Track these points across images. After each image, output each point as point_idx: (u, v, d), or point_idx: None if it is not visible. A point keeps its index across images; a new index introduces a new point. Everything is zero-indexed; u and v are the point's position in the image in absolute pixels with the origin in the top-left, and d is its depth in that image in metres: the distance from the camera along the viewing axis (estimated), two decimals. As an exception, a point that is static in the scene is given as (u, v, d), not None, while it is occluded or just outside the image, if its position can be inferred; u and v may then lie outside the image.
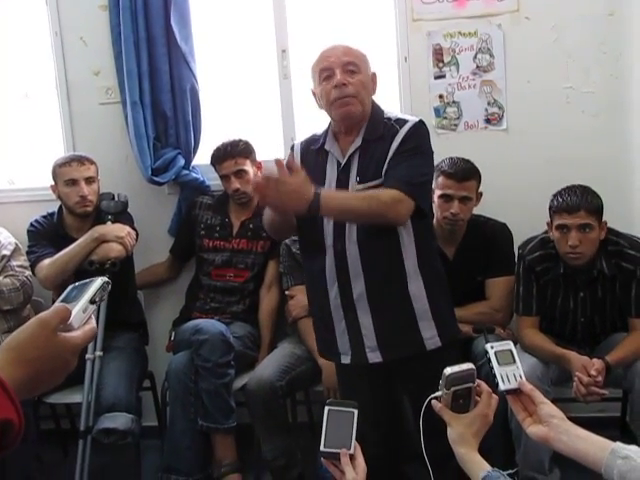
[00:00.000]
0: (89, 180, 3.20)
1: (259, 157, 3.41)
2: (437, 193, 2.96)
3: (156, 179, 3.45)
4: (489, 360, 1.53)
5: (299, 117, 3.58)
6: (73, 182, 3.17)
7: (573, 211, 2.67)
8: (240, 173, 3.29)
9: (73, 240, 3.14)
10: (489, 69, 3.39)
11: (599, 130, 3.34)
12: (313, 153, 2.47)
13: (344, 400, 1.51)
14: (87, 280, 1.14)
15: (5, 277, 3.19)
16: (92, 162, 3.23)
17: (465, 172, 2.97)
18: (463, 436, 1.46)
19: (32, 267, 3.20)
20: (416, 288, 2.39)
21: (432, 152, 2.44)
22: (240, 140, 3.34)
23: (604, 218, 2.74)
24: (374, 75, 2.43)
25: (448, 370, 1.49)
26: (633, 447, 1.30)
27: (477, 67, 3.39)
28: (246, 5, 3.58)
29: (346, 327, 2.42)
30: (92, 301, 1.10)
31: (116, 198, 3.28)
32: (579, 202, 2.67)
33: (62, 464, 3.39)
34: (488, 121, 3.42)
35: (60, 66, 3.59)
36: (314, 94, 2.45)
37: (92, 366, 3.01)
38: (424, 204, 2.38)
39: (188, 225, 3.50)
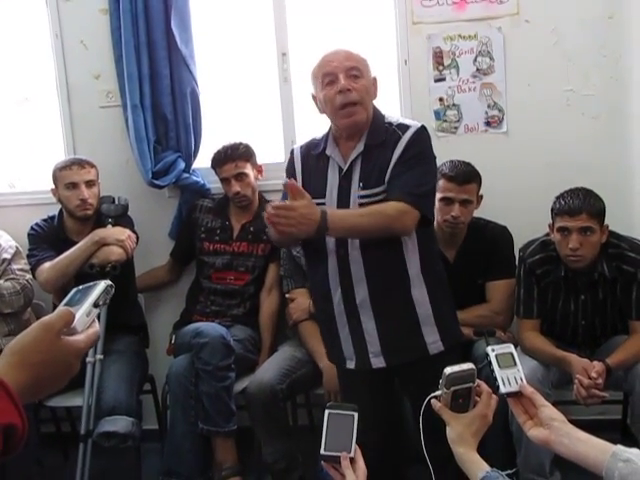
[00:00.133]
0: (89, 183, 3.20)
1: (259, 160, 3.41)
2: (438, 196, 2.96)
3: (156, 182, 3.45)
4: (490, 363, 1.53)
5: (299, 120, 3.58)
6: (73, 185, 3.17)
7: (575, 214, 2.67)
8: (240, 176, 3.30)
9: (73, 243, 3.14)
10: (489, 72, 3.39)
11: (599, 133, 3.35)
12: (314, 158, 2.46)
13: (344, 403, 1.50)
14: (91, 283, 1.14)
15: (6, 280, 3.19)
16: (92, 165, 3.24)
17: (466, 175, 2.97)
18: (462, 436, 1.46)
19: (33, 270, 3.20)
20: (419, 293, 2.39)
21: (435, 158, 2.44)
22: (240, 143, 3.34)
23: (605, 221, 2.74)
24: (375, 79, 2.42)
25: (448, 370, 1.49)
26: (634, 450, 1.30)
27: (477, 70, 3.40)
28: (246, 8, 3.59)
29: (350, 332, 2.42)
30: (95, 304, 1.09)
31: (116, 201, 3.28)
32: (581, 205, 2.67)
33: (63, 468, 3.38)
34: (488, 124, 3.42)
35: (60, 69, 3.60)
36: (315, 99, 2.44)
37: (92, 369, 3.01)
38: (429, 213, 2.39)
39: (188, 228, 3.50)
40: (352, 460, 1.43)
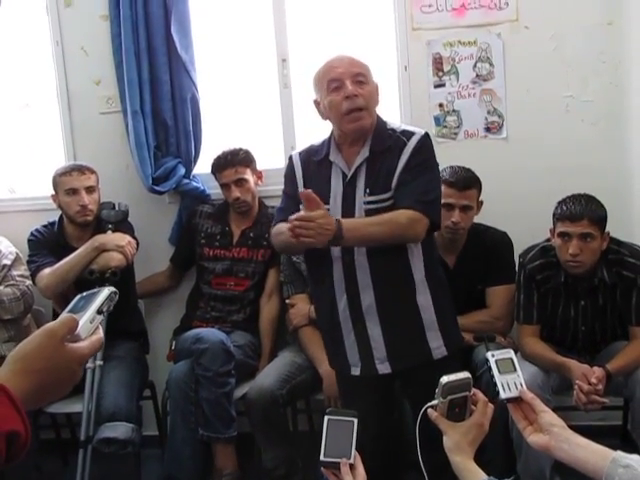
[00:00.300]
0: (90, 189, 3.20)
1: (259, 166, 3.42)
2: (438, 202, 2.96)
3: (157, 188, 3.45)
4: (490, 368, 1.53)
5: (299, 126, 3.58)
6: (74, 191, 3.17)
7: (576, 219, 2.67)
8: (240, 182, 3.30)
9: (73, 249, 3.14)
10: (489, 78, 3.40)
11: (598, 138, 3.35)
12: (315, 164, 2.46)
13: (344, 409, 1.50)
14: (94, 290, 1.14)
15: (6, 286, 3.19)
16: (93, 171, 3.24)
17: (466, 181, 2.97)
18: (459, 444, 1.46)
19: (32, 276, 3.20)
20: (424, 299, 2.41)
21: (438, 165, 2.46)
22: (240, 149, 3.34)
23: (606, 227, 2.74)
24: (377, 86, 2.42)
25: (444, 379, 1.49)
26: (634, 456, 1.30)
27: (477, 76, 3.40)
28: (246, 14, 3.59)
29: (355, 339, 2.42)
30: (99, 311, 1.09)
31: (116, 207, 3.28)
32: (582, 211, 2.67)
33: (62, 474, 3.38)
34: (488, 130, 3.43)
35: (61, 75, 3.60)
36: (317, 104, 2.43)
37: (92, 375, 3.01)
38: (437, 220, 2.40)
39: (188, 234, 3.50)
40: (352, 466, 1.43)
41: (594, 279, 2.78)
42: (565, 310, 2.88)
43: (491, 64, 3.39)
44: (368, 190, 2.33)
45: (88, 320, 1.06)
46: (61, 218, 3.29)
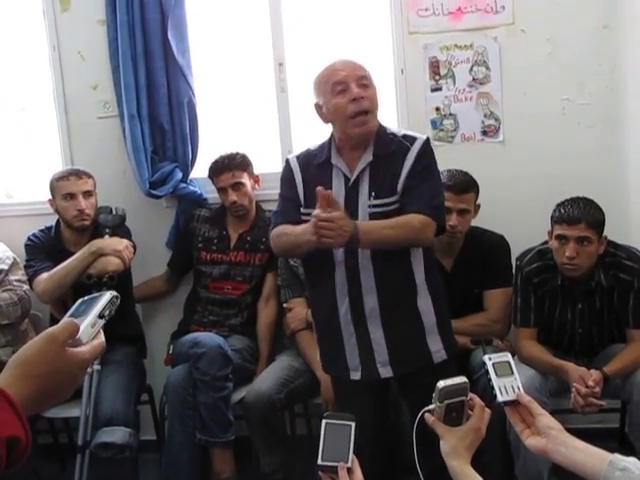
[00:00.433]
0: (87, 194, 3.20)
1: (256, 170, 3.42)
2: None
3: (154, 192, 3.45)
4: (487, 372, 1.53)
5: (296, 130, 3.59)
6: (71, 196, 3.17)
7: (573, 223, 2.68)
8: (237, 186, 3.30)
9: (71, 254, 3.14)
10: (485, 81, 3.40)
11: (595, 142, 3.36)
12: (315, 168, 2.45)
13: (342, 413, 1.50)
14: (96, 294, 1.14)
15: (3, 291, 3.18)
16: (90, 176, 3.24)
17: (463, 184, 2.98)
18: (456, 449, 1.46)
19: (30, 281, 3.20)
20: (424, 302, 2.42)
21: (438, 170, 2.48)
22: (237, 153, 3.35)
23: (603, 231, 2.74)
24: (376, 90, 2.42)
25: (441, 383, 1.49)
26: (631, 459, 1.30)
27: (473, 79, 3.41)
28: (243, 19, 3.60)
29: (356, 343, 2.42)
30: (101, 316, 1.09)
31: (114, 211, 3.27)
32: (580, 214, 2.67)
33: (60, 479, 3.37)
34: (485, 133, 3.43)
35: (58, 80, 3.61)
36: (319, 108, 2.41)
37: (90, 380, 3.00)
38: (443, 223, 2.43)
39: (186, 238, 3.50)
40: (349, 470, 1.42)
41: (591, 282, 2.79)
42: (562, 313, 2.88)
43: (487, 68, 3.39)
44: (373, 194, 2.34)
45: (89, 324, 1.06)
46: (58, 223, 3.29)
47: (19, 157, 3.86)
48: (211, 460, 3.11)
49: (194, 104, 3.46)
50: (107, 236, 3.19)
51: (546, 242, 2.85)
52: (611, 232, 2.79)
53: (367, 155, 2.37)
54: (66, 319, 1.05)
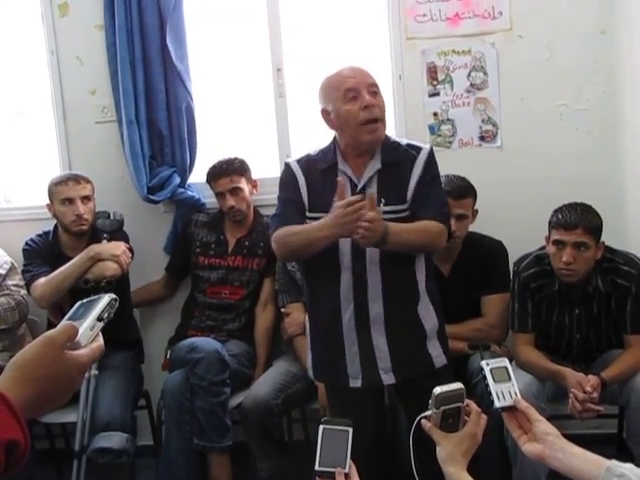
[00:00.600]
0: (85, 199, 3.20)
1: (254, 175, 3.42)
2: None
3: (152, 197, 3.46)
4: (484, 377, 1.53)
5: (294, 135, 3.59)
6: (69, 201, 3.17)
7: (570, 228, 2.68)
8: (235, 191, 3.30)
9: (69, 259, 3.14)
10: (483, 87, 3.41)
11: (593, 147, 3.36)
12: (319, 173, 2.44)
13: (339, 418, 1.50)
14: (94, 297, 1.14)
15: (0, 296, 3.18)
16: (88, 181, 3.24)
17: (461, 190, 2.98)
18: (452, 455, 1.46)
19: (27, 286, 3.19)
20: (424, 308, 2.44)
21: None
22: (235, 158, 3.35)
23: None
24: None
25: (437, 390, 1.50)
26: (628, 465, 1.30)
27: (471, 85, 3.42)
28: (241, 24, 3.61)
29: (358, 349, 2.41)
30: (100, 318, 1.09)
31: (112, 216, 3.27)
32: (577, 220, 2.68)
33: (57, 484, 3.37)
34: (482, 138, 3.44)
35: (56, 85, 3.61)
36: (327, 114, 2.40)
37: (87, 385, 2.99)
38: (450, 230, 2.50)
39: (184, 243, 3.50)
40: (347, 476, 1.42)
41: (588, 287, 2.79)
42: (560, 318, 2.88)
43: (485, 73, 3.40)
44: (383, 200, 2.34)
45: (88, 327, 1.06)
46: (56, 227, 3.29)
47: (17, 162, 3.86)
48: (208, 465, 3.10)
49: (192, 109, 3.46)
50: (105, 241, 3.19)
51: (544, 247, 2.85)
52: (608, 237, 2.79)
53: (375, 162, 2.38)
54: (65, 322, 1.04)
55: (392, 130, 3.27)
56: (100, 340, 1.07)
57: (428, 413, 1.52)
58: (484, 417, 1.53)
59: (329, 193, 2.35)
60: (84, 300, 1.14)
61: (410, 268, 2.42)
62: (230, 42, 3.61)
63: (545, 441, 1.40)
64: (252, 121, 3.67)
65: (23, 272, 3.23)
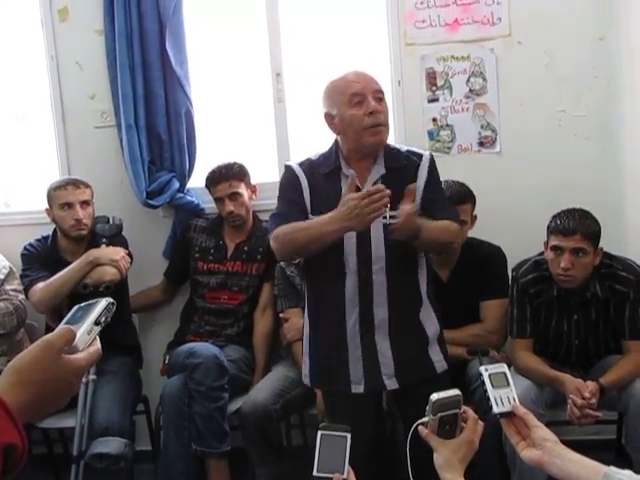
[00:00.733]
0: (84, 204, 3.20)
1: (254, 180, 3.42)
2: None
3: (151, 202, 3.46)
4: (483, 382, 1.53)
5: (294, 140, 3.60)
6: (68, 206, 3.17)
7: (569, 234, 2.68)
8: (234, 196, 3.30)
9: (67, 263, 3.14)
10: (482, 92, 3.42)
11: (591, 153, 3.37)
12: (322, 177, 2.43)
13: (337, 424, 1.50)
14: (92, 301, 1.14)
15: (-1, 301, 3.18)
16: (87, 186, 3.24)
17: (460, 195, 2.98)
18: (449, 461, 1.46)
19: (26, 291, 3.19)
20: (426, 313, 2.44)
21: None
22: (235, 163, 3.35)
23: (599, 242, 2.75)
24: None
25: (435, 396, 1.50)
26: (626, 471, 1.29)
27: (470, 91, 3.42)
28: (241, 29, 3.61)
29: (362, 354, 2.39)
30: (97, 322, 1.09)
31: (111, 221, 3.27)
32: (576, 226, 2.68)
33: (54, 489, 3.36)
34: (481, 144, 3.44)
35: (56, 89, 3.61)
36: (331, 118, 2.39)
37: (86, 390, 2.99)
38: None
39: (183, 248, 3.50)
40: (345, 482, 1.42)
41: (587, 293, 2.79)
42: (558, 324, 2.88)
43: (484, 79, 3.41)
44: (389, 205, 2.34)
45: (86, 331, 1.06)
46: (55, 232, 3.29)
47: (17, 166, 3.86)
48: (206, 471, 3.09)
49: (192, 114, 3.47)
50: (104, 246, 3.19)
51: (542, 253, 2.86)
52: (607, 243, 2.79)
53: (379, 167, 2.39)
54: (62, 326, 1.04)
55: (391, 135, 3.26)
56: (97, 344, 1.07)
57: (425, 419, 1.52)
58: (481, 424, 1.53)
59: (332, 197, 2.33)
60: (81, 304, 1.15)
61: (414, 272, 2.43)
62: (229, 47, 3.62)
63: (543, 447, 1.40)
64: (251, 126, 3.67)
65: (22, 277, 3.23)
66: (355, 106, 2.31)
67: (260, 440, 3.00)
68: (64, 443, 3.47)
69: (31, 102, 3.78)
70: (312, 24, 3.58)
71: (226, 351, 3.21)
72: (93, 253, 3.12)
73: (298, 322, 3.11)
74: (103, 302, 1.13)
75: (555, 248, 2.72)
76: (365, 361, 2.39)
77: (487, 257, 3.10)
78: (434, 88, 3.44)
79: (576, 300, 2.81)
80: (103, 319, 1.11)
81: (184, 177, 3.50)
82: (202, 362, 3.01)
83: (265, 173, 3.57)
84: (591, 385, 2.61)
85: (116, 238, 3.26)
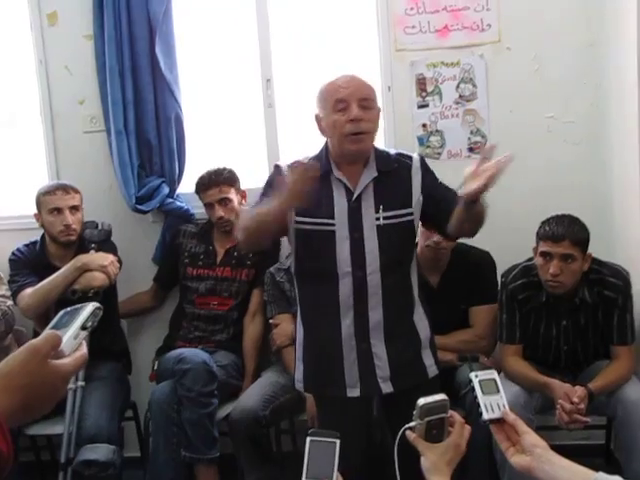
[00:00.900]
0: (73, 209, 3.19)
1: (243, 185, 3.42)
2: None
3: (140, 207, 3.45)
4: (473, 389, 1.54)
5: (284, 146, 3.59)
6: (58, 211, 3.15)
7: (558, 240, 2.69)
8: (224, 201, 3.30)
9: (56, 269, 3.12)
10: (472, 98, 3.43)
11: (580, 159, 3.38)
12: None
13: (326, 430, 1.50)
14: (78, 305, 1.13)
15: (-14, 307, 3.16)
16: (77, 191, 3.23)
17: None
18: (436, 465, 1.47)
19: (14, 296, 3.16)
20: (419, 317, 2.44)
21: None
22: (224, 168, 3.34)
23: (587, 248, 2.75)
24: (379, 110, 2.42)
25: (422, 401, 1.51)
26: (615, 477, 1.30)
27: (460, 96, 3.43)
28: (231, 35, 3.61)
29: (357, 358, 2.38)
30: (84, 327, 1.08)
31: (100, 227, 3.26)
32: (564, 232, 2.69)
33: (42, 496, 3.33)
34: (471, 150, 3.45)
35: (45, 94, 3.60)
36: (319, 120, 2.40)
37: (74, 396, 2.97)
38: None
39: (172, 253, 3.49)
40: (334, 488, 1.42)
41: (575, 299, 2.80)
42: (547, 330, 2.89)
43: (474, 85, 3.42)
44: (382, 207, 2.34)
45: (72, 336, 1.05)
46: (43, 237, 3.27)
47: (5, 171, 3.84)
48: (195, 477, 3.08)
49: (181, 119, 3.46)
50: (92, 251, 3.17)
51: (531, 259, 2.86)
52: (595, 248, 2.80)
53: (370, 171, 2.38)
54: (48, 331, 1.03)
55: (381, 141, 3.28)
56: (84, 349, 1.06)
57: (413, 424, 1.53)
58: (468, 428, 1.55)
59: (321, 199, 2.35)
60: (68, 309, 1.14)
61: (407, 275, 2.42)
62: (219, 52, 3.62)
63: (533, 453, 1.40)
64: (241, 131, 3.66)
65: (10, 282, 3.21)
66: (339, 112, 2.31)
67: (250, 446, 2.99)
68: (52, 450, 3.44)
69: (20, 107, 3.76)
70: (302, 30, 3.58)
71: (215, 357, 3.20)
72: (82, 259, 3.11)
73: (288, 328, 3.11)
74: (90, 306, 1.12)
75: (544, 254, 2.73)
76: (360, 364, 2.38)
77: (476, 263, 3.10)
78: (424, 94, 3.44)
79: (565, 306, 2.82)
80: (90, 324, 1.09)
81: (174, 182, 3.50)
82: (191, 368, 3.00)
83: (255, 178, 3.56)
84: (580, 390, 2.62)
85: (105, 244, 3.24)
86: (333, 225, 2.32)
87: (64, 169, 3.62)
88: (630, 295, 2.82)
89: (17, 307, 3.18)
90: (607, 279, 2.79)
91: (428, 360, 2.44)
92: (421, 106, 3.46)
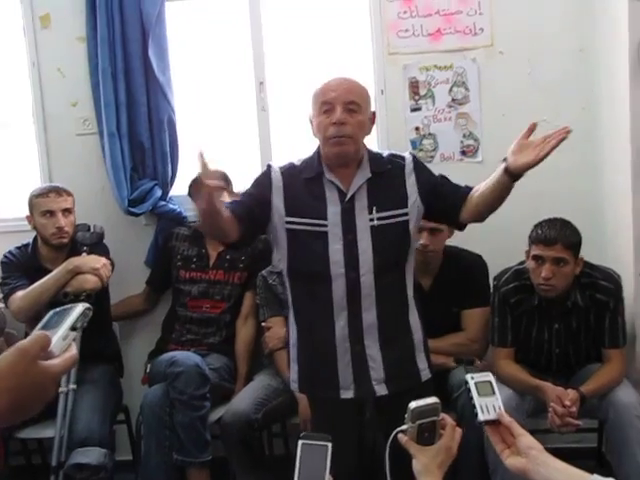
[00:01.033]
0: (66, 211, 3.17)
1: (236, 188, 3.41)
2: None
3: (133, 210, 3.44)
4: (469, 390, 1.54)
5: (277, 149, 3.59)
6: (50, 213, 3.14)
7: (550, 244, 2.70)
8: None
9: (48, 271, 3.11)
10: (464, 102, 3.44)
11: (571, 163, 3.38)
12: (302, 181, 2.41)
13: (318, 433, 1.49)
14: (68, 306, 1.12)
15: (-22, 309, 3.15)
16: (69, 193, 3.22)
17: None
18: (428, 468, 1.48)
19: (5, 299, 3.15)
20: (413, 319, 2.43)
21: None
22: (217, 171, 3.33)
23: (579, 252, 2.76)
24: (374, 114, 2.41)
25: (413, 404, 1.52)
26: (610, 480, 1.30)
27: (453, 100, 3.44)
28: (224, 38, 3.61)
29: (351, 359, 2.37)
30: (73, 328, 1.07)
31: (92, 229, 3.25)
32: (556, 236, 2.70)
33: (33, 500, 3.31)
34: (464, 153, 3.46)
35: (37, 97, 3.59)
36: (310, 120, 2.41)
37: (65, 399, 2.96)
38: None
39: (165, 256, 3.48)
40: (325, 491, 1.42)
41: (567, 302, 2.81)
42: (539, 333, 2.89)
43: (467, 88, 3.43)
44: (375, 208, 2.34)
45: (61, 337, 1.04)
46: (35, 240, 3.26)
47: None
48: (187, 481, 3.08)
49: (174, 122, 3.46)
50: (85, 254, 3.16)
51: (523, 262, 2.87)
52: (587, 251, 2.81)
53: (364, 172, 2.38)
54: (37, 332, 1.03)
55: (374, 144, 3.29)
56: (74, 349, 1.06)
57: (404, 427, 1.53)
58: (459, 431, 1.55)
59: (311, 201, 2.35)
60: (57, 309, 1.12)
61: (401, 275, 2.41)
62: (213, 55, 3.62)
63: (528, 455, 1.40)
64: (234, 134, 3.66)
65: (1, 285, 3.19)
66: (324, 114, 2.32)
67: (242, 449, 2.99)
68: (43, 454, 3.43)
69: (12, 109, 3.75)
70: (295, 33, 3.58)
71: (208, 360, 3.19)
72: (74, 261, 3.09)
73: (280, 331, 3.11)
74: (79, 307, 1.11)
75: (536, 258, 2.74)
76: (355, 366, 2.38)
77: (468, 266, 3.10)
78: (417, 97, 3.45)
79: (557, 309, 2.83)
80: (79, 324, 1.09)
81: (166, 185, 3.49)
82: (183, 371, 2.99)
83: (248, 181, 3.55)
84: (571, 393, 2.63)
85: (97, 246, 3.23)
86: (325, 226, 2.32)
87: (57, 171, 3.61)
88: (621, 298, 2.83)
89: (8, 310, 3.17)
90: (599, 282, 2.80)
91: (422, 364, 2.43)
92: (414, 109, 3.47)
